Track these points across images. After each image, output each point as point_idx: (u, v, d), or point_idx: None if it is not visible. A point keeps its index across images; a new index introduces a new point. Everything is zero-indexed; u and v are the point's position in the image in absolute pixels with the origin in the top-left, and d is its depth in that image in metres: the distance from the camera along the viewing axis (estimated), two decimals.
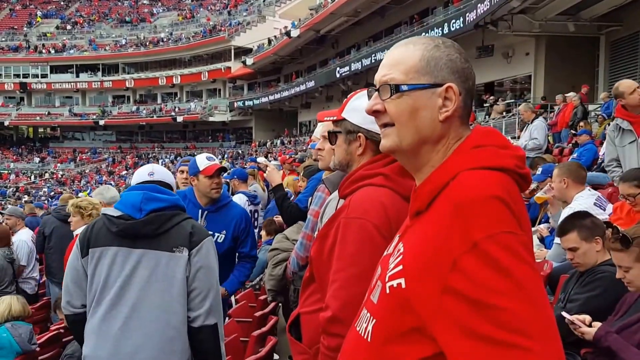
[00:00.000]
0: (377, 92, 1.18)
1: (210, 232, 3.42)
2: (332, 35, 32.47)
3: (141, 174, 2.62)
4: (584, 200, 3.95)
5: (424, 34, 21.71)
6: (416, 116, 1.12)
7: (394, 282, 1.06)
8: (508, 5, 16.46)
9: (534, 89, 19.51)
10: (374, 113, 1.18)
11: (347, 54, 31.15)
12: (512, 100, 19.63)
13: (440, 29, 20.64)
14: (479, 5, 17.77)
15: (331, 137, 1.80)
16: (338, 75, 29.20)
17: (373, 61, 25.64)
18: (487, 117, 18.61)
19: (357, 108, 1.68)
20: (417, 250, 1.04)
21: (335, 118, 1.78)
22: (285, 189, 4.41)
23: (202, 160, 3.61)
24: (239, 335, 3.69)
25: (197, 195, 3.63)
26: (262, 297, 4.75)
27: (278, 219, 6.04)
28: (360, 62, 26.97)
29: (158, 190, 2.48)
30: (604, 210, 4.00)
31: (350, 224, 1.51)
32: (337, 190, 1.78)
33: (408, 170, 1.21)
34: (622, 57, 17.80)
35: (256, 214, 6.14)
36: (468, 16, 18.71)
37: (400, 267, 1.06)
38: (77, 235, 4.09)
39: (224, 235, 3.63)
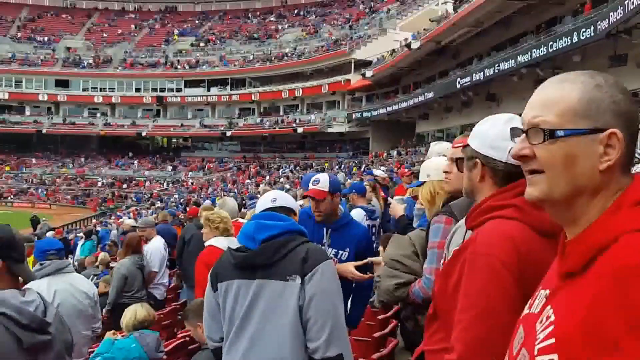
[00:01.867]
0: (524, 135, 1.07)
1: (334, 250, 3.60)
2: (453, 45, 31.84)
3: (264, 201, 2.64)
4: None
5: (551, 43, 20.66)
6: (572, 165, 1.01)
7: (545, 358, 0.95)
8: None
9: None
10: (521, 158, 1.08)
11: (468, 64, 30.38)
12: None
13: (568, 38, 19.54)
14: (612, 13, 16.62)
15: (457, 163, 1.80)
16: (458, 86, 28.55)
17: (495, 71, 24.79)
18: None
19: (478, 133, 1.64)
20: (571, 323, 0.93)
21: (462, 144, 1.75)
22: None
23: (308, 180, 3.67)
24: (357, 356, 3.57)
25: None
26: (381, 317, 4.64)
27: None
28: (482, 73, 26.19)
29: (273, 217, 2.47)
30: None
31: (477, 260, 1.42)
32: (464, 218, 1.72)
33: (556, 221, 1.08)
34: None
35: (374, 229, 6.06)
36: (599, 25, 17.56)
37: (552, 340, 0.95)
38: (208, 245, 4.38)
39: (347, 253, 3.59)
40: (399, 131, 40.39)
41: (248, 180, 42.76)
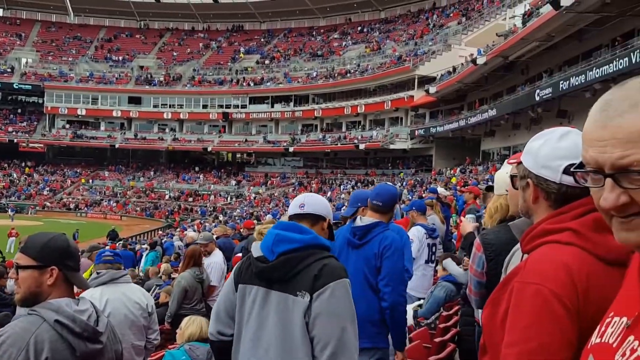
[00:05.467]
0: (611, 180, 0.91)
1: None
2: (522, 61, 31.06)
3: (293, 206, 2.60)
4: None
5: (629, 56, 19.70)
6: None
7: None
8: None
9: None
10: (619, 209, 0.92)
11: (537, 79, 29.48)
12: None
13: None
14: None
15: (513, 181, 1.64)
16: (526, 102, 27.72)
17: (567, 87, 23.90)
18: None
19: (530, 150, 1.49)
20: None
21: (517, 161, 1.60)
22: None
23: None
24: None
25: None
26: (438, 339, 4.50)
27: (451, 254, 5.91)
28: (551, 88, 25.32)
29: (294, 228, 2.43)
30: None
31: (525, 289, 1.28)
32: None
33: None
34: None
35: (434, 248, 6.02)
36: None
37: None
38: None
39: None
40: (464, 148, 39.63)
41: None
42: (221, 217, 36.54)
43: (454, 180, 30.31)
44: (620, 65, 20.15)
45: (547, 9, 25.20)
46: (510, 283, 1.34)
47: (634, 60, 19.37)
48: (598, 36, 25.14)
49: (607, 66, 21.00)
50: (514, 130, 31.33)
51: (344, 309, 2.29)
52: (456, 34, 43.41)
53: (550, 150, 1.45)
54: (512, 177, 1.66)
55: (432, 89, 39.11)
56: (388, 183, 4.84)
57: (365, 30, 57.41)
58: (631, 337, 0.89)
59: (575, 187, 1.39)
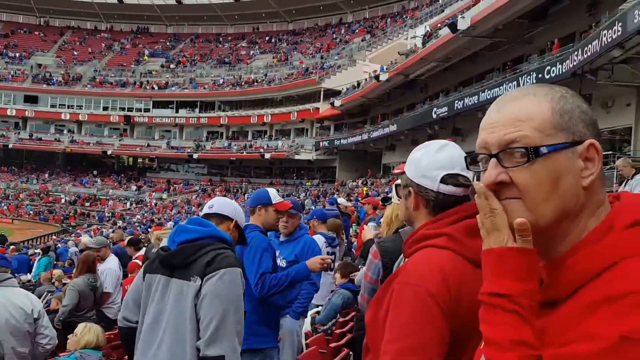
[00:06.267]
0: (494, 159, 0.94)
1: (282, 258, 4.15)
2: (421, 79, 32.51)
3: (205, 208, 2.84)
4: None
5: (516, 80, 21.26)
6: (558, 185, 0.91)
7: None
8: (609, 55, 15.84)
9: (635, 141, 18.46)
10: (496, 186, 0.94)
11: (435, 98, 31.04)
12: (610, 152, 18.66)
13: (534, 76, 20.16)
14: (577, 53, 17.22)
15: (397, 190, 1.75)
16: (424, 120, 29.09)
17: (461, 106, 25.34)
18: None
19: (412, 160, 1.58)
20: (562, 352, 0.86)
21: (400, 171, 1.68)
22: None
23: (275, 195, 3.85)
24: None
25: (262, 224, 3.79)
26: (333, 345, 4.57)
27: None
28: (447, 107, 26.77)
29: (198, 222, 2.62)
30: None
31: (404, 290, 1.36)
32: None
33: (532, 248, 0.94)
34: None
35: (334, 256, 6.09)
36: (565, 64, 18.17)
37: None
38: None
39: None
40: (366, 161, 40.76)
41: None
42: (120, 223, 35.18)
43: (365, 189, 31.07)
44: (510, 88, 21.67)
45: (445, 32, 26.65)
46: (392, 284, 1.42)
47: (522, 84, 20.90)
48: (491, 60, 26.89)
49: (498, 88, 22.51)
50: (413, 146, 31.58)
51: (230, 293, 2.40)
52: (361, 50, 44.70)
53: (429, 161, 1.53)
54: (397, 186, 1.76)
55: (337, 102, 39.96)
56: (263, 188, 4.94)
57: (273, 40, 57.74)
58: None
59: (451, 196, 1.49)
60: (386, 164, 39.33)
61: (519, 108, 0.93)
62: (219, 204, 2.84)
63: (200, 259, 2.44)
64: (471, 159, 1.03)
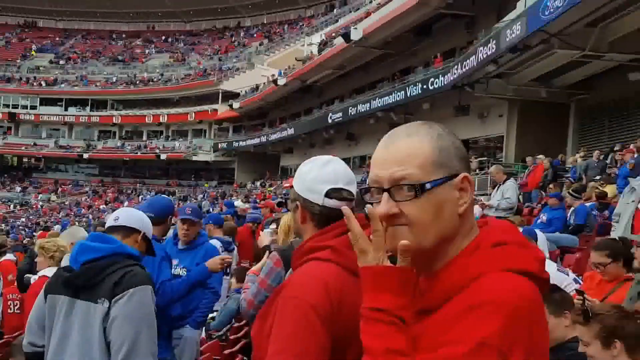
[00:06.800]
0: (386, 193, 1.05)
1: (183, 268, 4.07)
2: (318, 85, 33.40)
3: (109, 219, 2.72)
4: (549, 268, 4.05)
5: (403, 90, 22.70)
6: (440, 215, 1.03)
7: None
8: (484, 70, 17.44)
9: (506, 149, 20.41)
10: (389, 217, 1.04)
11: (331, 103, 32.11)
12: (485, 159, 20.56)
13: (419, 87, 21.65)
14: (457, 67, 18.78)
15: (286, 203, 1.93)
16: (321, 124, 30.05)
17: (355, 113, 26.53)
18: None
19: (299, 175, 1.62)
20: (430, 356, 0.98)
21: (289, 185, 1.76)
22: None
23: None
24: None
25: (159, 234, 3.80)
26: (227, 351, 4.55)
27: (245, 264, 6.06)
28: (342, 112, 27.89)
29: (101, 239, 2.51)
30: (568, 275, 4.22)
31: (287, 303, 1.39)
32: None
33: (409, 267, 1.06)
34: (590, 124, 18.84)
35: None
36: (447, 77, 19.72)
37: None
38: (40, 277, 4.07)
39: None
40: (265, 163, 41.18)
41: (104, 206, 40.95)
42: (2, 226, 33.13)
43: (269, 189, 31.34)
44: (398, 97, 23.13)
45: (339, 41, 27.81)
46: (277, 298, 1.44)
47: (409, 94, 22.38)
48: (381, 70, 28.36)
49: (388, 97, 23.93)
50: (310, 149, 33.53)
51: (141, 313, 2.33)
52: (259, 54, 45.07)
53: (315, 175, 1.57)
54: (286, 199, 1.87)
55: (236, 105, 40.04)
56: (163, 195, 4.64)
57: (169, 40, 56.66)
58: None
59: (336, 209, 1.50)
60: (284, 166, 39.99)
61: (405, 147, 1.05)
62: (125, 215, 2.69)
63: (107, 279, 2.33)
64: (365, 190, 1.11)
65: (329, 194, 1.54)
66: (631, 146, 12.19)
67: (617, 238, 4.07)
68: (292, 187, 1.66)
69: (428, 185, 1.02)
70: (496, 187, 9.20)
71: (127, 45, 56.90)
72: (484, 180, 16.53)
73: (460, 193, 1.05)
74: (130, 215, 2.71)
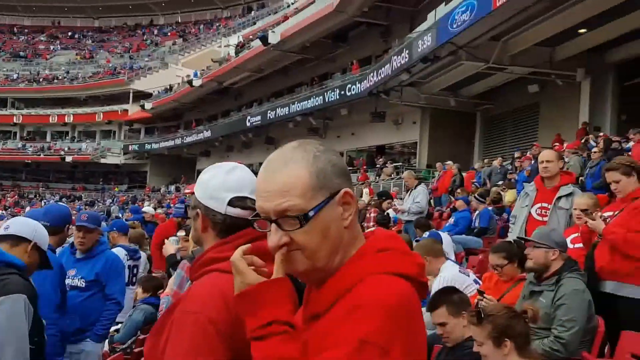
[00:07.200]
0: (274, 225, 1.08)
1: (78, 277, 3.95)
2: (235, 87, 33.18)
3: (1, 229, 2.65)
4: (450, 269, 4.38)
5: (322, 95, 23.11)
6: (328, 234, 1.08)
7: None
8: (398, 78, 18.12)
9: (419, 155, 21.32)
10: (282, 247, 1.09)
11: (249, 107, 31.95)
12: (400, 164, 21.36)
13: (338, 91, 22.13)
14: (373, 75, 19.40)
15: (186, 210, 1.97)
16: (239, 127, 29.90)
17: (274, 116, 26.63)
18: (377, 177, 20.02)
19: (201, 182, 1.55)
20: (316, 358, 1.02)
21: (190, 191, 1.66)
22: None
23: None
24: None
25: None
26: None
27: (158, 274, 5.82)
28: (260, 116, 27.88)
29: None
30: (469, 276, 4.41)
31: (185, 318, 1.33)
32: None
33: (306, 281, 1.15)
34: (494, 132, 20.09)
35: (136, 269, 5.81)
36: (363, 83, 20.31)
37: None
38: None
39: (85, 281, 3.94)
40: (180, 167, 40.33)
41: (3, 212, 38.46)
42: None
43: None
44: (317, 102, 23.51)
45: (257, 44, 27.84)
46: (173, 312, 1.38)
47: (327, 99, 22.82)
48: (300, 74, 28.69)
49: (307, 101, 24.26)
50: (228, 152, 33.29)
51: (10, 323, 2.21)
52: (173, 54, 44.08)
53: (218, 183, 1.50)
54: (186, 206, 2.06)
55: (148, 105, 38.90)
56: (60, 203, 4.34)
57: (76, 36, 54.18)
58: None
59: (239, 218, 1.46)
60: (201, 169, 38.82)
61: (284, 179, 1.07)
62: (16, 224, 2.63)
63: None
64: (254, 219, 1.14)
65: (232, 203, 1.47)
66: (527, 153, 13.16)
67: (512, 240, 4.35)
68: (193, 193, 1.57)
69: (311, 213, 1.06)
70: (408, 192, 9.66)
71: (30, 41, 53.82)
72: (399, 185, 17.15)
73: (344, 207, 1.09)
74: (21, 224, 2.65)
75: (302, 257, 1.08)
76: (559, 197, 4.51)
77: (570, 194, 4.50)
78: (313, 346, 1.04)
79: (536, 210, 4.60)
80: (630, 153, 10.63)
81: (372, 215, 10.18)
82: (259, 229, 1.13)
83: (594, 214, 3.79)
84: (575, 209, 4.27)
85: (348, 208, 1.10)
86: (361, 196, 16.52)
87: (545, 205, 4.57)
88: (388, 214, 9.81)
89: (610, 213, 3.83)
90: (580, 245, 4.09)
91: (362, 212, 12.82)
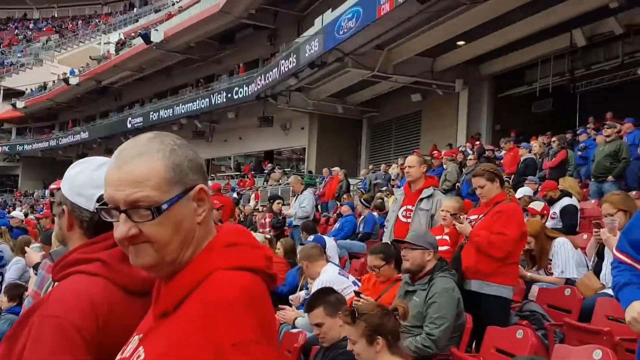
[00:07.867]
0: (123, 215, 1.03)
1: None
2: (115, 87, 31.77)
3: None
4: (330, 272, 4.58)
5: (208, 98, 22.46)
6: (180, 229, 1.05)
7: None
8: (286, 83, 17.99)
9: (307, 160, 21.30)
10: (130, 239, 1.04)
11: (130, 107, 30.67)
12: (289, 169, 21.17)
13: (224, 94, 21.59)
14: (261, 78, 19.09)
15: (51, 207, 1.61)
16: (119, 129, 28.49)
17: (157, 118, 25.70)
18: (265, 183, 19.69)
19: (67, 177, 1.47)
20: (162, 357, 0.99)
21: (56, 187, 1.54)
22: None
23: None
24: None
25: None
26: None
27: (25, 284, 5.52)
28: (142, 117, 26.80)
29: None
30: (347, 278, 4.65)
31: (45, 323, 1.22)
32: None
33: (157, 277, 1.10)
34: (379, 139, 20.53)
35: (0, 277, 5.66)
36: (251, 87, 19.93)
37: None
38: None
39: None
40: (55, 170, 37.73)
41: None
42: None
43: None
44: (203, 104, 22.83)
45: (139, 42, 26.73)
46: (31, 317, 1.27)
47: (214, 102, 22.20)
48: (185, 75, 27.83)
49: (192, 104, 23.50)
50: (108, 154, 31.27)
51: None
52: (49, 50, 41.48)
53: (86, 178, 1.43)
54: (52, 203, 1.61)
55: (20, 104, 36.45)
56: None
57: None
58: (140, 348, 1.04)
59: None
60: None
61: (138, 169, 1.03)
62: None
63: None
64: (104, 210, 1.08)
65: (101, 200, 1.35)
66: (399, 161, 13.49)
67: (389, 242, 4.56)
68: (59, 189, 1.48)
69: (164, 206, 1.03)
70: (295, 197, 9.76)
71: None
72: (287, 190, 16.99)
73: (198, 203, 1.08)
74: None
75: (151, 250, 1.04)
76: (421, 199, 4.84)
77: (430, 196, 4.84)
78: (160, 344, 1.00)
79: (402, 213, 4.93)
80: (502, 161, 11.23)
81: (267, 220, 10.04)
82: (106, 218, 1.07)
83: (461, 217, 4.00)
84: (442, 210, 4.57)
85: (202, 204, 1.08)
86: (248, 202, 16.25)
87: (409, 207, 4.90)
88: (284, 217, 9.81)
89: (475, 216, 4.07)
90: (446, 247, 4.34)
91: (248, 217, 12.76)
